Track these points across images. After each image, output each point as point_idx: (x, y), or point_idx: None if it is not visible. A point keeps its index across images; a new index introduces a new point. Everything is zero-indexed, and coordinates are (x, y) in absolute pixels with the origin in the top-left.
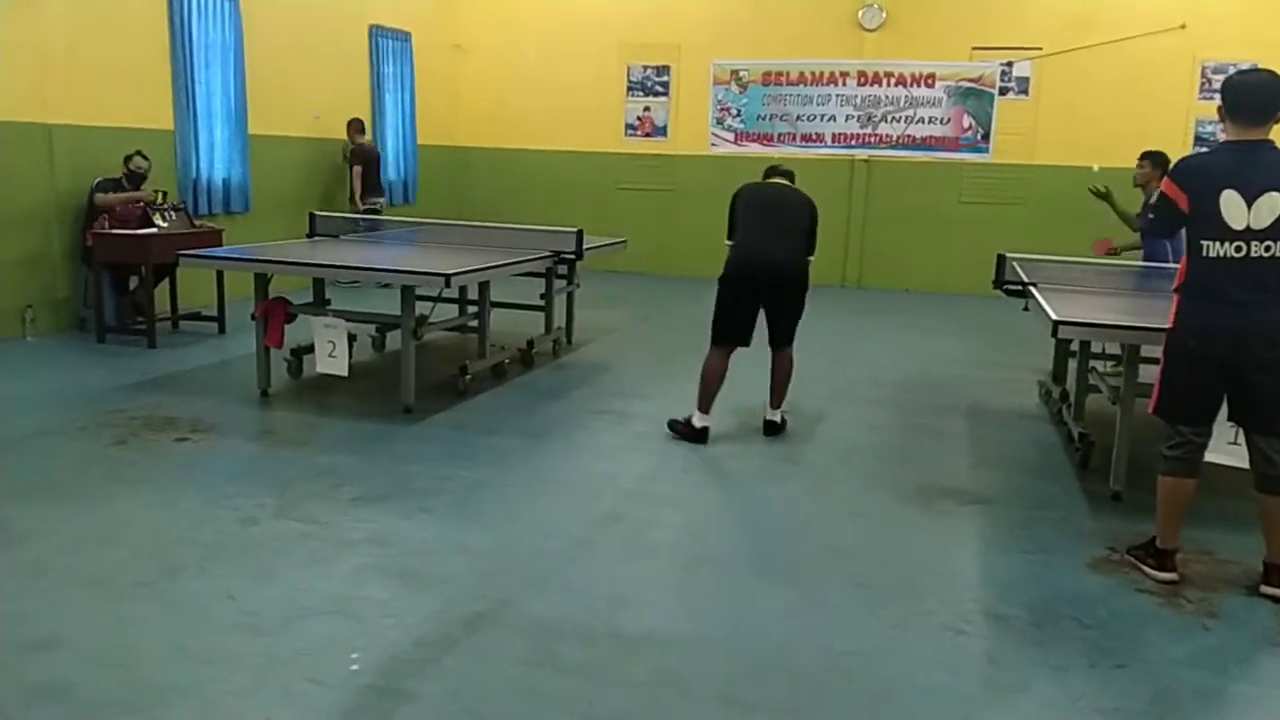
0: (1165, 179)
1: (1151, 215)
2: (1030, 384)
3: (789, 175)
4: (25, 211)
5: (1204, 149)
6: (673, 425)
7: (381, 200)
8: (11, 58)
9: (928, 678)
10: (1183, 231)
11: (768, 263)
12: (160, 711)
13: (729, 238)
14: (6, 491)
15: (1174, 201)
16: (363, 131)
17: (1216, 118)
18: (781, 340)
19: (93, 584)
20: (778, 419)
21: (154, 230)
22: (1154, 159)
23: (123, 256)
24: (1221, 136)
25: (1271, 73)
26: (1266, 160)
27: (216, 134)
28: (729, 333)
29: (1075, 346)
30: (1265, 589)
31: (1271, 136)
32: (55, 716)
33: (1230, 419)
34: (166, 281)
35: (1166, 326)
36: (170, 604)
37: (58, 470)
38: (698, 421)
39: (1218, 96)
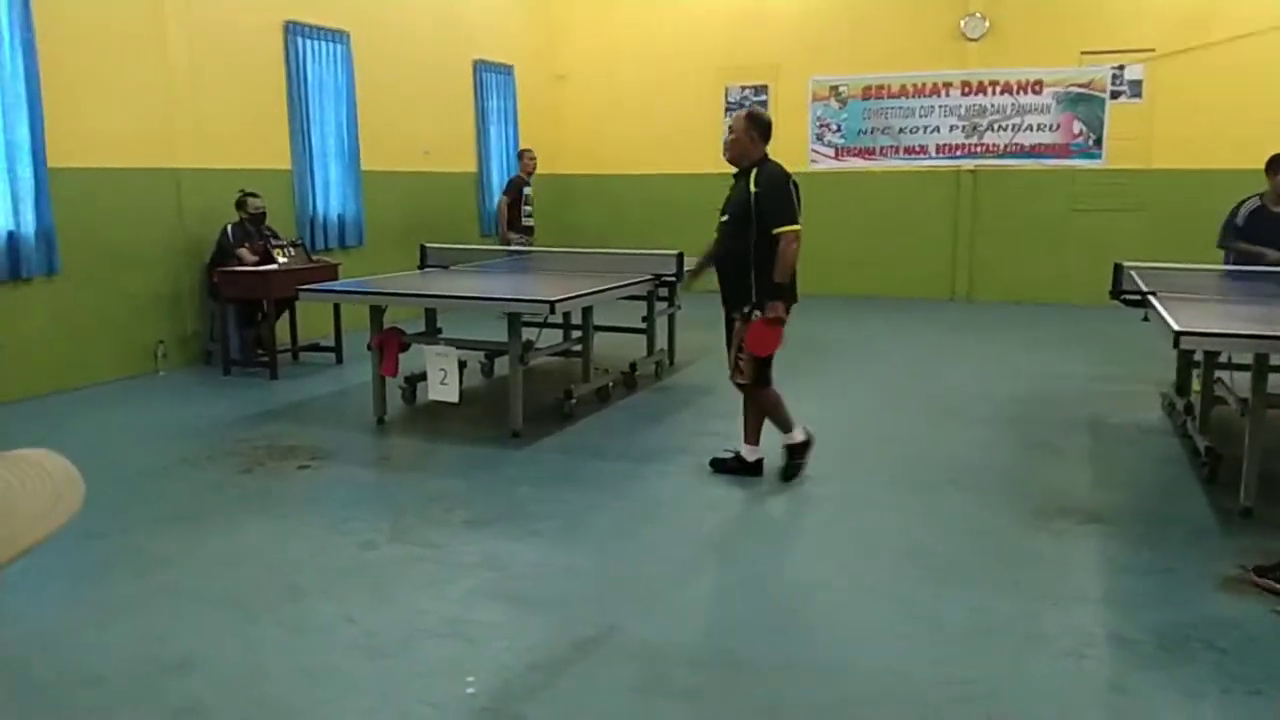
0: None
1: None
2: (1153, 397)
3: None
4: (156, 253)
5: None
6: (721, 464)
7: (519, 237)
8: (140, 107)
9: (1050, 706)
10: None
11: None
12: None
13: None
14: (143, 518)
15: None
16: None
17: None
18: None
19: (224, 607)
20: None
21: (275, 267)
22: None
23: (246, 293)
24: None
25: None
26: None
27: (331, 171)
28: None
29: (1199, 357)
30: None
31: None
32: None
33: None
34: (287, 315)
35: None
36: (295, 627)
37: (189, 498)
38: (752, 455)
39: None
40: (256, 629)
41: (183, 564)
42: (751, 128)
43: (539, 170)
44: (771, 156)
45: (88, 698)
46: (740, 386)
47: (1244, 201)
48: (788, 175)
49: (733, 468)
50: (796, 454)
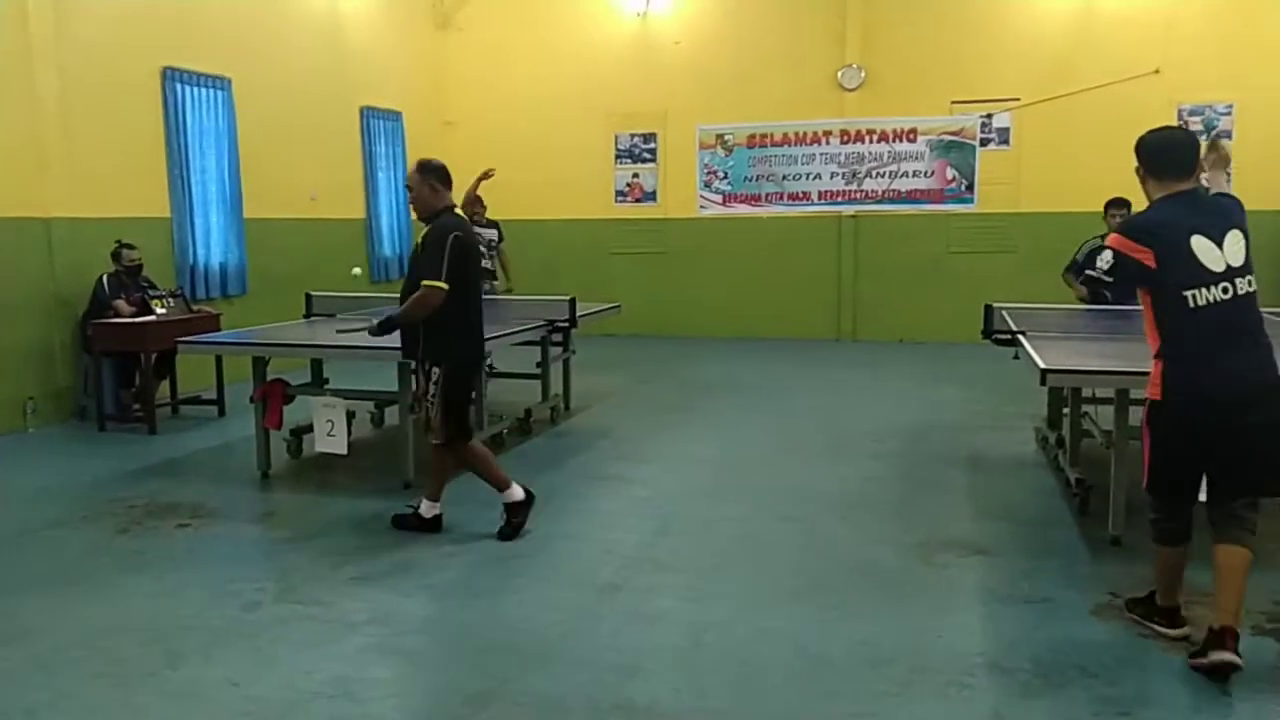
0: (1120, 238)
1: (1108, 278)
2: (1027, 431)
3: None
4: (25, 304)
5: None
6: (401, 520)
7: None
8: (9, 154)
9: None
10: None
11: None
12: None
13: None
14: (13, 585)
15: (1137, 260)
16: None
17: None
18: None
19: (100, 676)
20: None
21: (153, 318)
22: (1127, 204)
23: (123, 345)
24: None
25: (1182, 128)
26: (1208, 203)
27: (212, 219)
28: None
29: (1068, 393)
30: (1212, 657)
31: None
32: None
33: (1211, 481)
34: (166, 367)
35: (1149, 397)
36: (176, 694)
37: (63, 561)
38: (429, 511)
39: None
40: (136, 699)
41: (54, 633)
42: (426, 178)
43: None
44: (660, 203)
45: None
46: (436, 446)
47: (1087, 241)
48: (454, 230)
49: (412, 524)
50: (515, 513)
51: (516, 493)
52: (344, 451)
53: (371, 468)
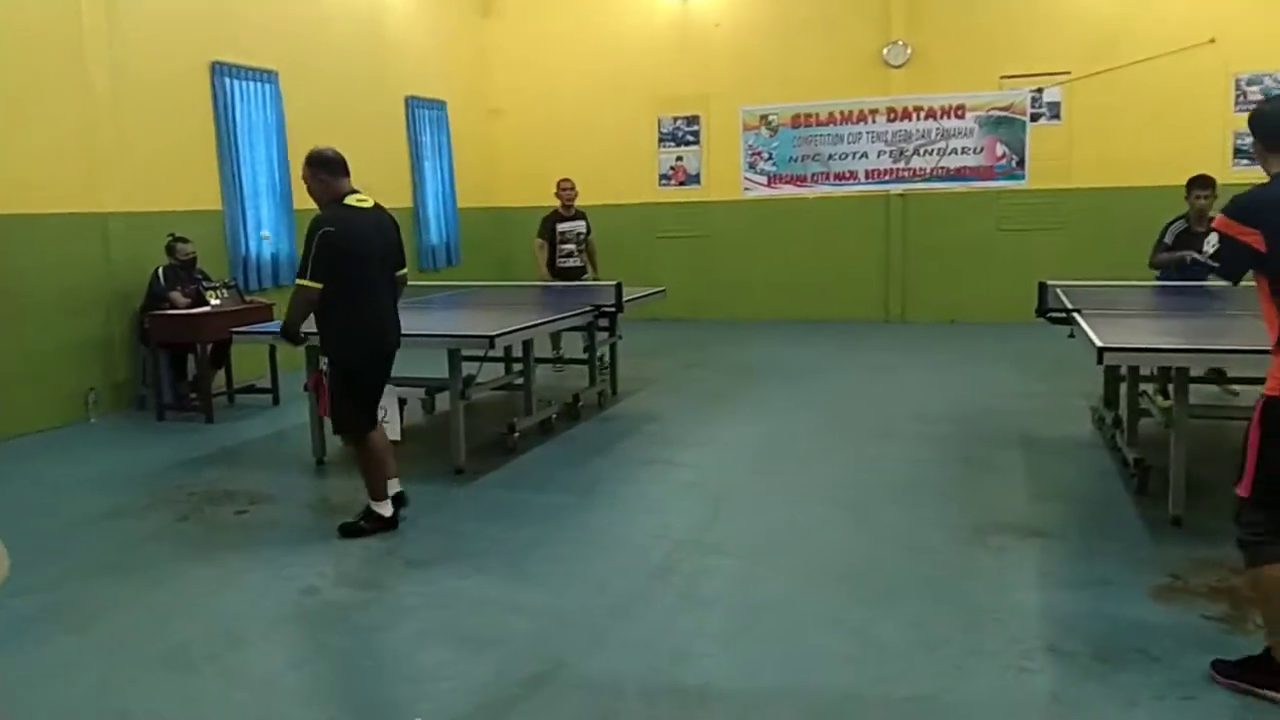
0: (1226, 219)
1: (1214, 264)
2: (1083, 411)
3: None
4: (85, 298)
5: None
6: (351, 529)
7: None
8: (65, 151)
9: (991, 719)
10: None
11: (394, 332)
12: None
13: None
14: (77, 572)
15: (1245, 243)
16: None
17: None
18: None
19: (163, 660)
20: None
21: (207, 309)
22: (1211, 184)
23: (178, 336)
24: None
25: None
26: None
27: (263, 211)
28: (371, 413)
29: (1125, 371)
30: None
31: None
32: None
33: None
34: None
35: (1267, 394)
36: (237, 677)
37: (124, 549)
38: (386, 510)
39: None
40: (197, 682)
41: (119, 618)
42: (313, 170)
43: (475, 202)
44: (704, 186)
45: None
46: (342, 438)
47: (1171, 223)
48: (326, 226)
49: (365, 530)
50: (370, 520)
51: (386, 509)
52: (397, 438)
53: (423, 454)
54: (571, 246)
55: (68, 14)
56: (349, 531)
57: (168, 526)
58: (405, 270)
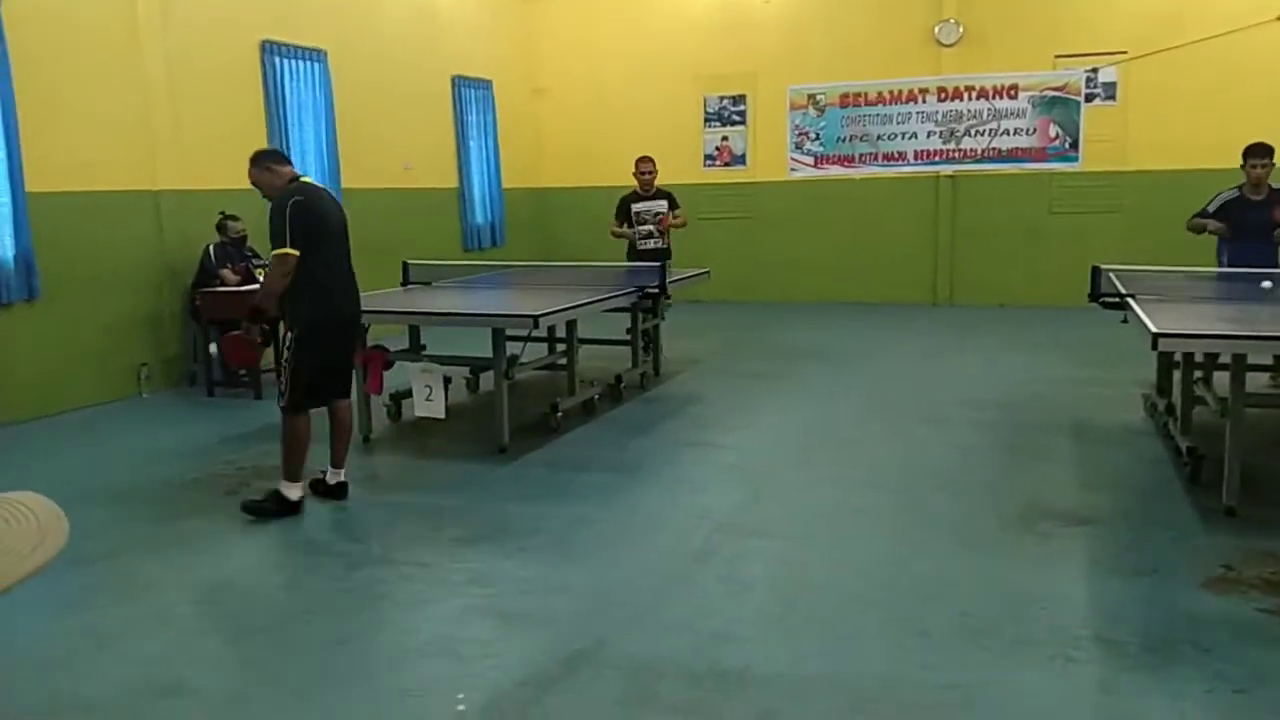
0: None
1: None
2: (1135, 398)
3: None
4: (137, 275)
5: None
6: (254, 507)
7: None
8: (120, 130)
9: (1037, 709)
10: None
11: (351, 308)
12: None
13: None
14: (130, 544)
15: None
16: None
17: None
18: (344, 390)
19: (214, 631)
20: (344, 478)
21: (256, 287)
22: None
23: (228, 313)
24: None
25: None
26: None
27: None
28: (318, 391)
29: (1179, 358)
30: None
31: None
32: None
33: None
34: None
35: None
36: (285, 649)
37: (176, 521)
38: (294, 493)
39: None
40: (247, 653)
41: (170, 589)
42: (259, 165)
43: (520, 183)
44: (750, 166)
45: None
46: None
47: (1222, 191)
48: (294, 196)
49: (268, 509)
50: (275, 503)
51: (295, 493)
52: (442, 416)
53: (468, 432)
54: (650, 228)
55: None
56: (251, 509)
57: (217, 500)
58: None
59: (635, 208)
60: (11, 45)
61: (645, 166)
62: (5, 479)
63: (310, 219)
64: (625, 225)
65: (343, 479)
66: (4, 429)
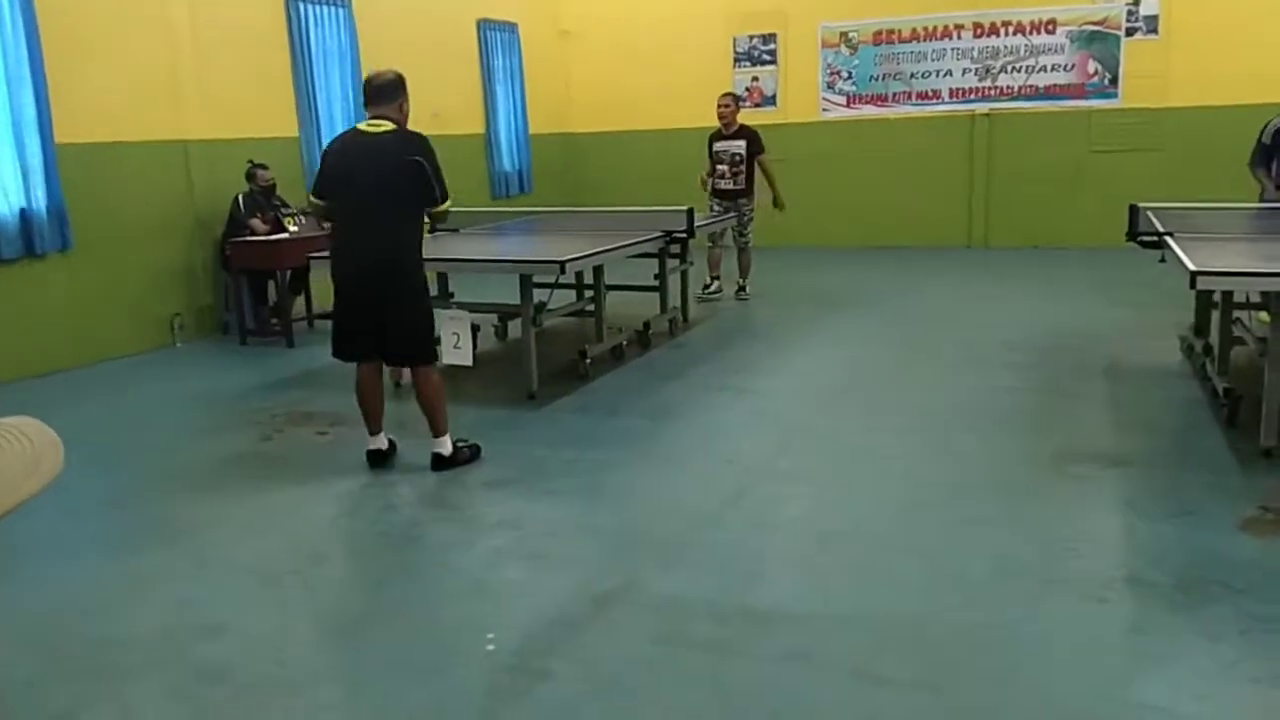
0: None
1: None
2: (1171, 339)
3: (390, 89)
4: (168, 225)
5: None
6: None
7: (715, 203)
8: (147, 80)
9: (1069, 649)
10: None
11: (361, 265)
12: (314, 692)
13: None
14: (168, 488)
15: None
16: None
17: None
18: (400, 359)
19: (250, 572)
20: (444, 450)
21: (285, 236)
22: None
23: (258, 263)
24: None
25: None
26: None
27: None
28: (343, 346)
29: (1217, 297)
30: None
31: None
32: (222, 696)
33: None
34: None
35: None
36: (319, 590)
37: (212, 467)
38: (370, 444)
39: None
40: (283, 594)
41: (209, 532)
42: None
43: (547, 128)
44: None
45: (121, 659)
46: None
47: (1271, 121)
48: (330, 142)
49: (460, 460)
50: (459, 459)
51: (376, 443)
52: (470, 363)
53: (497, 379)
54: (725, 168)
55: None
56: (444, 466)
57: (252, 447)
58: (438, 206)
59: (715, 147)
60: None
61: (723, 102)
62: None
63: (325, 167)
64: (709, 163)
65: (436, 450)
66: (42, 379)
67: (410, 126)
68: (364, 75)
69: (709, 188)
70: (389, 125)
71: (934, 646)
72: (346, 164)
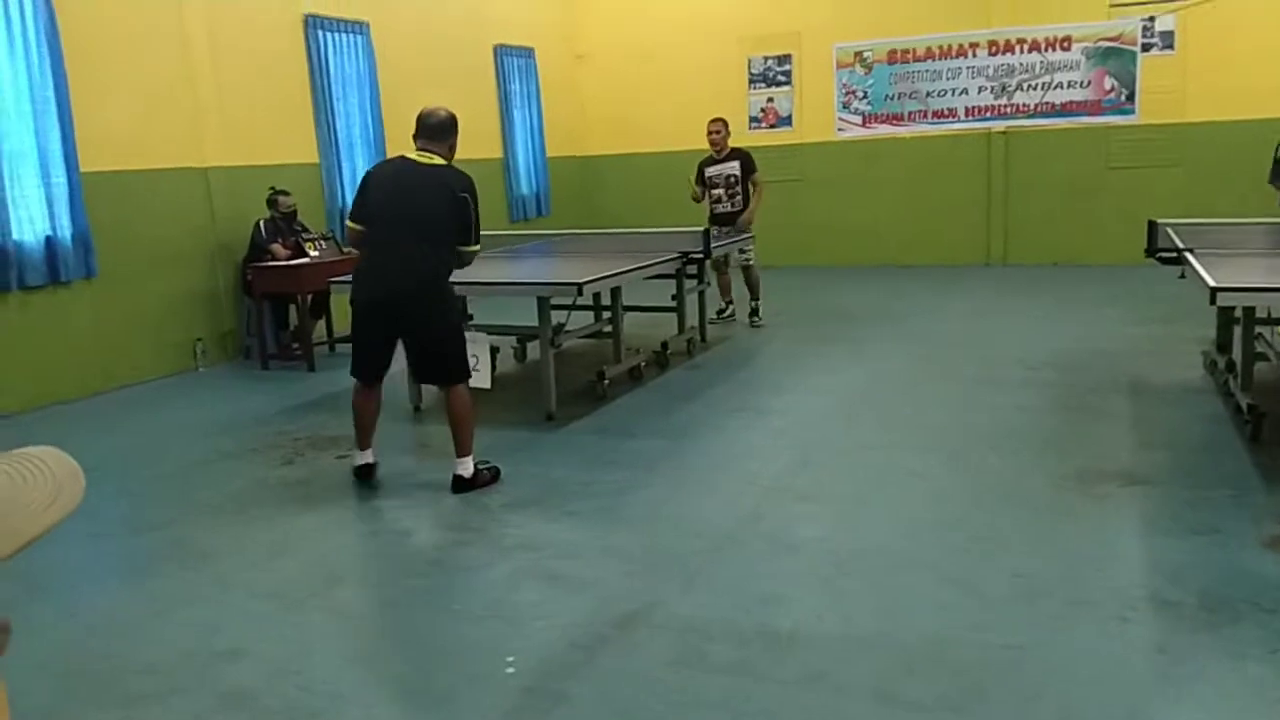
0: None
1: None
2: (1194, 355)
3: (442, 129)
4: (191, 251)
5: None
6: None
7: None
8: (168, 109)
9: (1092, 669)
10: None
11: (395, 288)
12: (335, 715)
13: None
14: (191, 513)
15: None
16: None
17: None
18: (437, 377)
19: (270, 597)
20: (465, 472)
21: (306, 260)
22: None
23: (280, 287)
24: None
25: None
26: None
27: (359, 163)
28: (360, 365)
29: (1239, 313)
30: None
31: None
32: None
33: None
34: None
35: None
36: (338, 613)
37: (233, 490)
38: (358, 459)
39: None
40: (303, 617)
41: (230, 556)
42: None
43: (564, 151)
44: (796, 127)
45: (143, 685)
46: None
47: None
48: (371, 169)
49: (481, 482)
50: (480, 480)
51: (365, 458)
52: (488, 386)
53: (516, 401)
54: (720, 191)
55: None
56: (464, 488)
57: (273, 470)
58: (469, 247)
59: (708, 172)
60: (61, 24)
61: (713, 128)
62: (70, 454)
63: (363, 194)
64: (701, 189)
65: (458, 471)
66: (66, 405)
67: (466, 149)
68: (381, 100)
69: (707, 213)
70: (440, 160)
71: (956, 668)
72: (395, 185)
